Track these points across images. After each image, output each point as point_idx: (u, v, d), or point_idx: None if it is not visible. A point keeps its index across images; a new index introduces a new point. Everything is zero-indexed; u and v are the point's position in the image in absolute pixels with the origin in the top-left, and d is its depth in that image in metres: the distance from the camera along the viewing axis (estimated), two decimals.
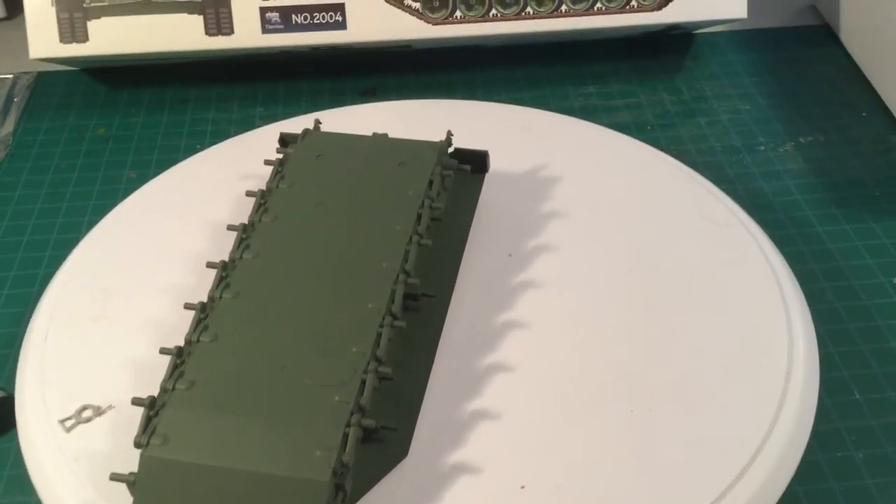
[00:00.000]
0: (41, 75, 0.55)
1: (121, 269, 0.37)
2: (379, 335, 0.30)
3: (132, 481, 0.28)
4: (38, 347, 0.34)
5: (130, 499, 0.28)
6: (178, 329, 0.34)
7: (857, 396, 0.36)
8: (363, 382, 0.29)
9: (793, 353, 0.33)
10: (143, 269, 0.37)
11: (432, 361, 0.33)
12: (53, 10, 0.49)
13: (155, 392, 0.29)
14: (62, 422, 0.32)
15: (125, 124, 0.51)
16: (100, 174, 0.48)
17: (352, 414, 0.28)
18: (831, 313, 0.39)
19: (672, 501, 0.28)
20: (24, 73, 0.55)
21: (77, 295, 0.36)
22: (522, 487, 0.29)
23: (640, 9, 0.51)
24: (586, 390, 0.32)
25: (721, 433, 0.31)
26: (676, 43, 0.56)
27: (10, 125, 0.51)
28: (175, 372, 0.30)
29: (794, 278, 0.37)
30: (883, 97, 0.51)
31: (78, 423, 0.31)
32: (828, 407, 0.35)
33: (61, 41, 0.49)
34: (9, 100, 0.53)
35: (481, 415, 0.31)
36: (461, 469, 0.30)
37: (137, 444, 0.28)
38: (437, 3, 0.50)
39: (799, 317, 0.35)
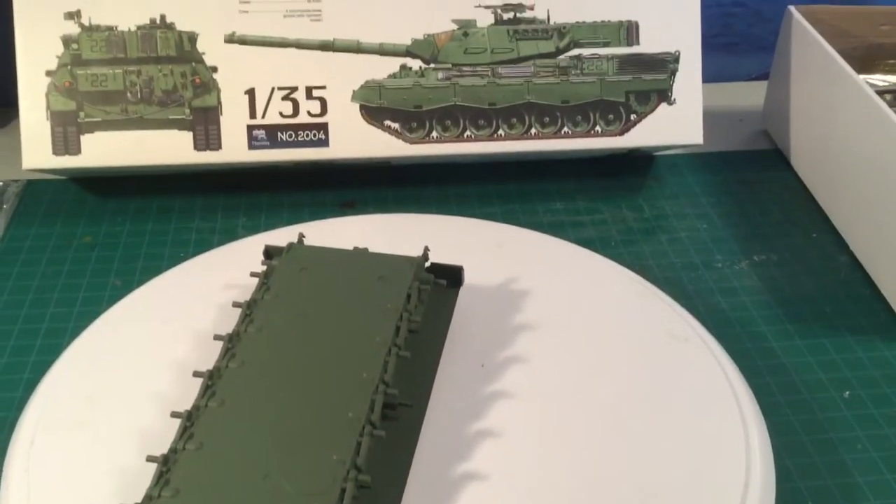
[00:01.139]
0: (30, 183, 0.57)
1: (107, 376, 0.39)
2: (359, 444, 0.32)
3: None
4: (25, 452, 0.35)
5: None
6: (162, 437, 0.35)
7: None
8: (343, 491, 0.30)
9: (750, 465, 0.35)
10: (128, 377, 0.38)
11: (409, 469, 0.34)
12: (48, 123, 0.51)
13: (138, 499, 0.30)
14: None
15: (111, 232, 0.53)
16: (85, 281, 0.49)
17: None
18: (786, 426, 0.41)
19: None
20: (14, 180, 0.57)
21: (63, 401, 0.37)
22: None
23: (604, 133, 0.54)
24: (556, 496, 0.33)
25: None
26: (638, 164, 0.60)
27: None
28: (161, 479, 0.31)
29: (750, 392, 0.39)
30: (831, 218, 0.55)
31: None
32: None
33: (54, 153, 0.51)
34: None
35: None
36: None
37: (149, 497, 0.29)
38: (415, 124, 0.53)
39: (755, 429, 0.37)
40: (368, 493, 0.32)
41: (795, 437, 0.41)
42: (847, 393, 0.43)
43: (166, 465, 0.31)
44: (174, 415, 0.33)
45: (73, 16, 0.51)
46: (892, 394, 0.43)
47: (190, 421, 0.33)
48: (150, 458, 0.32)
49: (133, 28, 0.51)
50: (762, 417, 0.38)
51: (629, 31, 0.54)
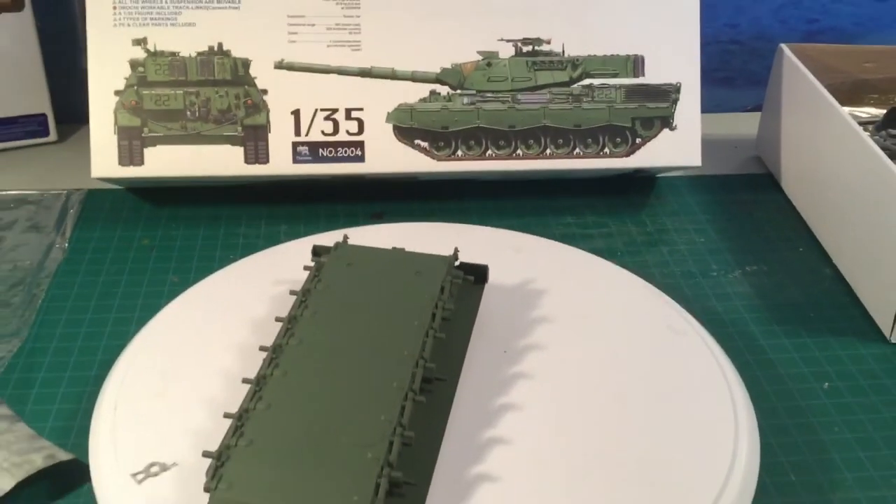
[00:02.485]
0: (91, 192, 0.63)
1: (177, 355, 0.44)
2: (403, 407, 0.37)
3: None
4: (109, 415, 0.41)
5: None
6: (228, 405, 0.41)
7: (793, 478, 0.43)
8: (391, 443, 0.36)
9: (738, 440, 0.41)
10: (196, 356, 0.44)
11: (444, 432, 0.39)
12: (115, 137, 0.57)
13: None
14: (134, 475, 0.38)
15: (167, 236, 0.59)
16: (146, 278, 0.55)
17: (382, 468, 0.35)
18: (772, 411, 0.47)
19: None
20: (76, 189, 0.63)
21: (139, 376, 0.43)
22: None
23: (612, 155, 0.60)
24: (567, 462, 0.39)
25: (675, 501, 0.37)
26: (642, 184, 0.66)
27: (66, 234, 0.59)
28: (236, 432, 0.36)
29: (740, 379, 0.45)
30: (816, 235, 0.61)
31: (147, 476, 0.38)
32: (768, 486, 0.42)
33: (120, 164, 0.57)
34: (63, 212, 0.61)
35: (483, 477, 0.38)
36: None
37: (207, 489, 0.34)
38: (442, 144, 0.59)
39: (744, 411, 0.42)
40: (410, 450, 0.37)
41: (779, 420, 0.46)
42: (827, 384, 0.48)
43: (240, 420, 0.37)
44: (245, 381, 0.39)
45: (140, 42, 0.57)
46: (867, 385, 0.49)
47: (258, 386, 0.38)
48: (226, 415, 0.37)
49: (193, 54, 0.57)
50: (750, 401, 0.43)
51: (636, 64, 0.60)
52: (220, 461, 0.35)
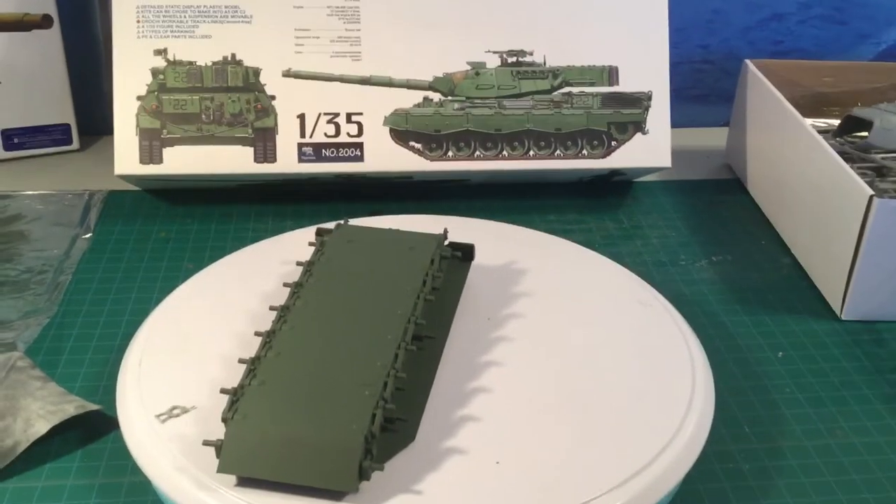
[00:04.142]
0: (112, 193, 0.68)
1: (195, 319, 0.49)
2: (396, 355, 0.42)
3: (219, 446, 0.39)
4: (135, 369, 0.46)
5: (211, 463, 0.39)
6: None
7: (746, 430, 0.48)
8: (385, 383, 0.41)
9: (695, 391, 0.45)
10: (212, 319, 0.49)
11: (433, 381, 0.44)
12: (137, 138, 0.63)
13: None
14: (158, 416, 0.43)
15: (182, 230, 0.64)
16: (164, 264, 0.60)
17: (377, 402, 0.40)
18: (730, 375, 0.52)
19: (604, 472, 0.40)
20: (97, 190, 0.69)
21: (162, 337, 0.48)
22: (497, 463, 0.40)
23: (590, 156, 0.66)
24: (542, 405, 0.44)
25: (636, 436, 0.42)
26: (620, 188, 0.71)
27: (89, 228, 0.64)
28: (250, 374, 0.41)
29: (699, 344, 0.49)
30: (778, 230, 0.66)
31: (170, 417, 0.43)
32: (724, 436, 0.47)
33: (141, 162, 0.63)
34: (86, 209, 0.66)
35: (468, 417, 0.43)
36: (453, 450, 0.41)
37: (224, 419, 0.39)
38: (435, 145, 0.64)
39: (700, 365, 0.47)
40: (403, 394, 0.42)
41: (736, 383, 0.51)
42: (781, 353, 0.54)
43: (253, 364, 0.42)
44: (257, 334, 0.44)
45: (160, 52, 0.63)
46: (818, 355, 0.54)
47: (269, 338, 0.43)
48: (241, 360, 0.42)
49: (209, 63, 0.63)
50: (706, 359, 0.48)
51: (611, 74, 0.66)
52: (236, 397, 0.40)
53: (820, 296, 0.59)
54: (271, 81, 0.63)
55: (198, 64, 0.63)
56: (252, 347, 0.45)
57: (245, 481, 0.39)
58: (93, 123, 0.75)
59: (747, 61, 0.72)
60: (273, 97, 0.63)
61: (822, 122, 0.75)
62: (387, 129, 0.64)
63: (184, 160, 0.63)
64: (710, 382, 0.46)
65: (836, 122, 0.73)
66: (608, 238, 0.65)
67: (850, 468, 0.45)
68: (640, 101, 0.66)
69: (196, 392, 0.44)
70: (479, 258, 0.54)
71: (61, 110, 0.73)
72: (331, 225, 0.57)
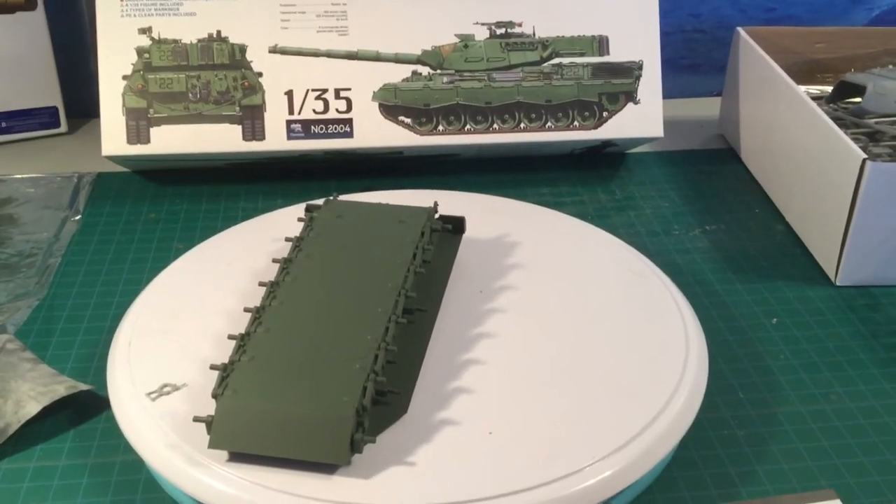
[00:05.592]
0: (101, 175, 0.68)
1: (184, 298, 0.49)
2: (387, 329, 0.42)
3: (210, 422, 0.38)
4: (125, 349, 0.45)
5: (203, 440, 0.39)
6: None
7: (741, 396, 0.47)
8: (376, 356, 0.41)
9: (688, 358, 0.45)
10: (201, 298, 0.49)
11: (424, 354, 0.44)
12: (124, 118, 0.62)
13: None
14: (149, 394, 0.42)
15: (171, 210, 0.64)
16: (154, 245, 0.60)
17: (368, 376, 0.39)
18: (724, 343, 0.51)
19: (597, 440, 0.40)
20: (86, 172, 0.68)
21: (151, 316, 0.48)
22: (490, 433, 0.40)
23: (581, 128, 0.65)
24: (536, 375, 0.44)
25: (630, 404, 0.42)
26: (612, 159, 0.71)
27: (78, 210, 0.63)
28: (239, 350, 0.41)
29: (693, 311, 0.49)
30: (772, 198, 0.66)
31: (161, 395, 0.42)
32: (718, 403, 0.47)
33: (128, 142, 0.62)
34: (75, 192, 0.66)
35: (461, 389, 0.43)
36: (446, 422, 0.41)
37: (214, 395, 0.39)
38: (424, 119, 0.64)
39: (694, 331, 0.47)
40: (394, 367, 0.42)
41: (730, 350, 0.51)
42: (775, 320, 0.53)
43: (243, 340, 0.41)
44: (246, 310, 0.43)
45: (145, 31, 0.62)
46: (813, 322, 0.53)
47: (258, 314, 0.43)
48: (230, 336, 0.42)
49: (194, 41, 0.62)
50: (700, 327, 0.48)
51: (601, 44, 0.65)
52: (226, 373, 0.40)
53: (814, 262, 0.59)
54: (258, 58, 0.63)
55: (183, 42, 0.62)
56: (242, 324, 0.45)
57: (236, 456, 0.38)
58: (80, 106, 0.75)
59: (739, 29, 0.71)
60: (260, 74, 0.63)
61: (815, 89, 0.74)
62: (376, 104, 0.64)
63: (171, 140, 0.62)
64: (703, 350, 0.46)
65: (830, 88, 0.73)
66: (601, 210, 0.64)
67: (846, 432, 0.45)
68: (631, 71, 0.65)
69: (186, 369, 0.44)
70: (471, 231, 0.54)
71: (48, 93, 0.73)
72: (320, 201, 0.57)
